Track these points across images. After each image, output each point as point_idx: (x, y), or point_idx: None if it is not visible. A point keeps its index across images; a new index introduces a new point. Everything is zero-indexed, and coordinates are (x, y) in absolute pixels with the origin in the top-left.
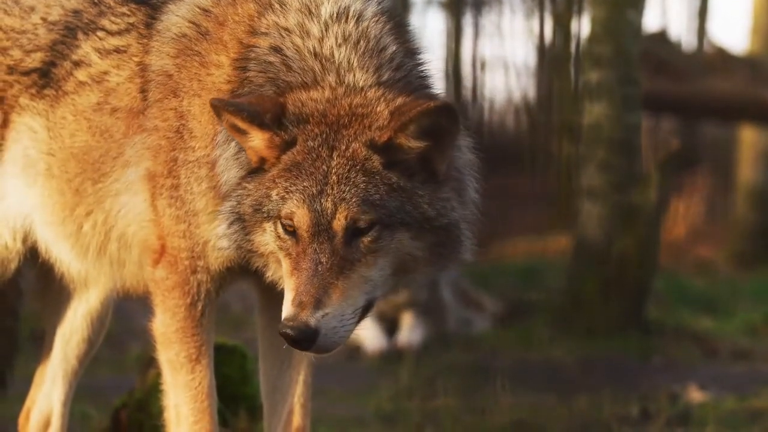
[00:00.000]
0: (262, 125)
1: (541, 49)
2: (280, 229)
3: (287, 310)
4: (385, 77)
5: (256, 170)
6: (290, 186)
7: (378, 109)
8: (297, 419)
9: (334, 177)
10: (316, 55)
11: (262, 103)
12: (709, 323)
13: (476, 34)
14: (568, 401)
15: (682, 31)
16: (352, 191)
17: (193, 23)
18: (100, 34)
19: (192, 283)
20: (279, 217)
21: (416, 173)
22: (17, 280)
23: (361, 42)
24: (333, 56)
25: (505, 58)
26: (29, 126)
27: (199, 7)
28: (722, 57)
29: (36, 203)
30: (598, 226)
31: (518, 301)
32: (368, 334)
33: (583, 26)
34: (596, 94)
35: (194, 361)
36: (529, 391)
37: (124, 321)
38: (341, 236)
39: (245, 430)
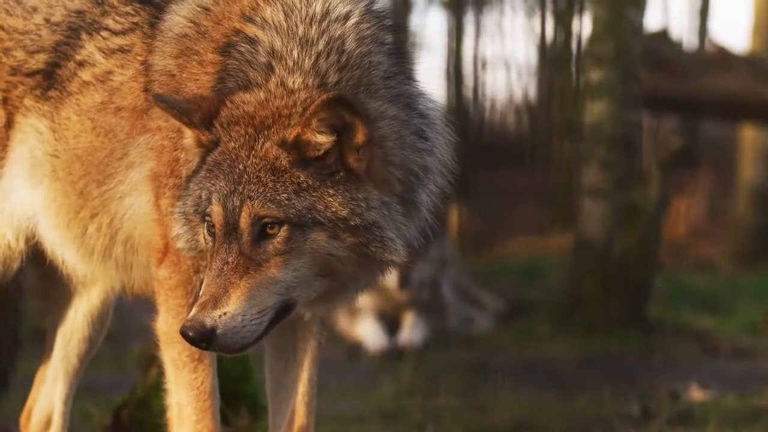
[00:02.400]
0: (189, 124)
1: (543, 48)
2: (205, 230)
3: (192, 310)
4: (332, 79)
5: (197, 171)
6: (211, 186)
7: (299, 109)
8: (301, 417)
9: (245, 177)
10: (273, 53)
11: (198, 103)
12: (710, 322)
13: (477, 33)
14: (568, 399)
15: (683, 30)
16: (259, 190)
17: (194, 23)
18: (104, 33)
19: (195, 283)
20: (204, 218)
21: (334, 173)
22: (19, 279)
23: (320, 44)
24: (285, 56)
25: (506, 57)
26: (35, 127)
27: (200, 6)
28: (723, 56)
29: (41, 205)
30: (599, 225)
31: (519, 300)
32: (370, 333)
33: (584, 25)
34: (597, 93)
35: (196, 361)
36: (529, 389)
37: (126, 319)
38: (247, 235)
39: (246, 429)
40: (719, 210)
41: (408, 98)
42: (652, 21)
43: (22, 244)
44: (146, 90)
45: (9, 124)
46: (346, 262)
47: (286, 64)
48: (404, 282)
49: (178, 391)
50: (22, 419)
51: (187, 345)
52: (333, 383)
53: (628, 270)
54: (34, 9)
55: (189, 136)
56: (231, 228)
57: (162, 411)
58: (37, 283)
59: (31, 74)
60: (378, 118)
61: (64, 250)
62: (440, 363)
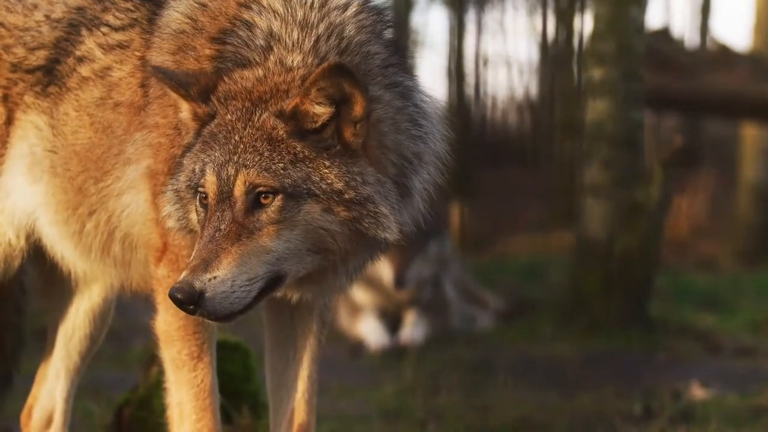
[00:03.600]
0: (186, 96)
1: (544, 46)
2: (198, 203)
3: (182, 273)
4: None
5: (190, 146)
6: (206, 158)
7: (298, 83)
8: (302, 415)
9: (242, 146)
10: (271, 35)
11: (196, 77)
12: (712, 320)
13: (479, 32)
14: (570, 398)
15: (684, 28)
16: (255, 159)
17: (191, 18)
18: (103, 29)
19: None
20: (197, 191)
21: (330, 146)
22: (21, 276)
23: (320, 27)
24: (284, 37)
25: (507, 55)
26: (35, 124)
27: (197, 2)
28: (725, 54)
29: (40, 201)
30: (601, 223)
31: (521, 298)
32: (371, 331)
33: (585, 23)
34: (599, 91)
35: (196, 359)
36: (531, 387)
37: (127, 317)
38: (241, 203)
39: (248, 427)
40: (721, 208)
41: (404, 88)
42: (654, 19)
43: (22, 242)
44: (143, 85)
45: (9, 121)
46: (338, 238)
47: (285, 44)
48: (400, 281)
49: (178, 390)
50: (23, 417)
51: (187, 344)
52: (334, 382)
53: (630, 268)
54: (35, 6)
55: (185, 110)
56: (225, 196)
57: (163, 410)
58: (38, 280)
59: (31, 71)
60: (374, 101)
61: (62, 247)
62: (442, 361)
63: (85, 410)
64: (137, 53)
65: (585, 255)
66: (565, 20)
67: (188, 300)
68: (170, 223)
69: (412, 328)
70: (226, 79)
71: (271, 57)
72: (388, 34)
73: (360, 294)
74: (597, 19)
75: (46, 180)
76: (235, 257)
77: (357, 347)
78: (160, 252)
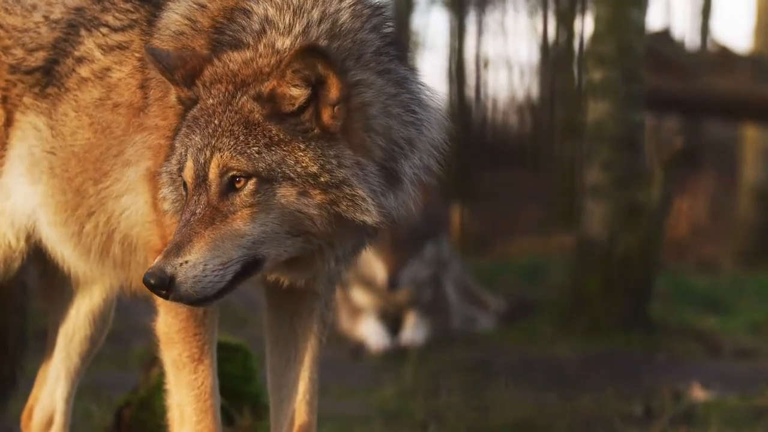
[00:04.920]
0: (171, 80)
1: (545, 48)
2: (182, 187)
3: (156, 258)
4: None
5: (179, 129)
6: (188, 142)
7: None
8: (302, 415)
9: (219, 130)
10: (266, 20)
11: (185, 59)
12: (713, 321)
13: (479, 33)
14: (571, 399)
15: (685, 30)
16: (230, 143)
17: (190, 20)
18: (103, 30)
19: None
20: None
21: (308, 129)
22: (23, 278)
23: (314, 13)
24: (278, 22)
25: (508, 57)
26: (34, 125)
27: (196, 3)
28: (725, 55)
29: (39, 202)
30: (601, 224)
31: (521, 299)
32: (372, 333)
33: (586, 25)
34: (600, 93)
35: (197, 361)
36: (532, 388)
37: (127, 318)
38: (215, 187)
39: (249, 428)
40: (722, 210)
41: (398, 77)
42: (655, 20)
43: (22, 243)
44: (142, 87)
45: (8, 123)
46: (317, 221)
47: (278, 28)
48: (392, 283)
49: (178, 392)
50: (24, 418)
51: (188, 345)
52: (335, 383)
53: (631, 270)
54: (34, 7)
55: (173, 93)
56: (201, 181)
57: (164, 411)
58: (39, 282)
59: (30, 72)
60: (361, 84)
61: (62, 248)
62: (443, 362)
63: (86, 411)
64: (137, 54)
65: (585, 256)
66: (565, 22)
67: (160, 285)
68: (166, 205)
69: (413, 330)
70: (215, 61)
71: (263, 40)
72: (386, 27)
73: (360, 296)
74: (597, 21)
75: (45, 181)
76: (208, 241)
77: (358, 348)
78: (159, 253)
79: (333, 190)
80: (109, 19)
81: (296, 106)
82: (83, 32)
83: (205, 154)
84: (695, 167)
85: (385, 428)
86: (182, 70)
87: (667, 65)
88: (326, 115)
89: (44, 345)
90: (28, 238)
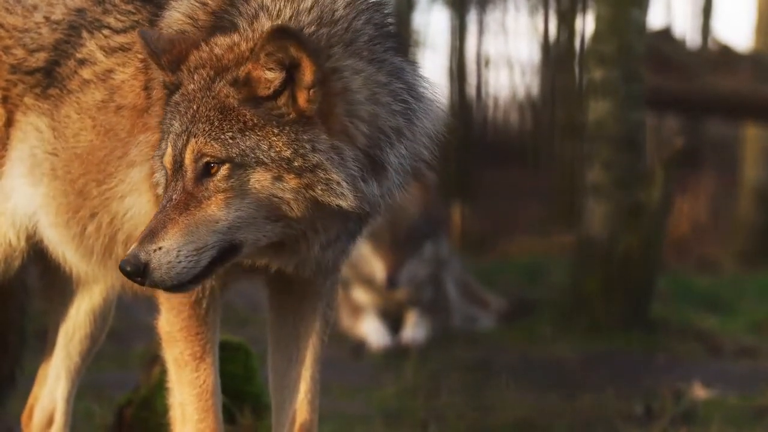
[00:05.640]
0: (158, 64)
1: (546, 47)
2: (166, 174)
3: (133, 245)
4: (309, 30)
5: (165, 114)
6: (169, 127)
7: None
8: (304, 415)
9: (197, 116)
10: (262, 6)
11: (172, 42)
12: (714, 321)
13: (480, 32)
14: (571, 399)
15: (686, 29)
16: (205, 128)
17: (192, 18)
18: (105, 32)
19: None
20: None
21: (284, 114)
22: (24, 277)
23: (308, 0)
24: (271, 7)
25: (509, 56)
26: (35, 126)
27: (197, 2)
28: (726, 55)
29: (41, 204)
30: (601, 224)
31: (522, 299)
32: (373, 332)
33: (587, 24)
34: (600, 92)
35: (199, 360)
36: (532, 388)
37: (128, 317)
38: (191, 172)
39: (250, 428)
40: (722, 209)
41: (392, 67)
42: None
43: (23, 243)
44: (146, 88)
45: (9, 123)
46: (294, 206)
47: (270, 13)
48: (391, 282)
49: (180, 391)
50: (24, 417)
51: (190, 344)
52: (336, 382)
53: (631, 269)
54: (35, 7)
55: (160, 77)
56: (178, 167)
57: (165, 410)
58: (39, 281)
59: (31, 72)
60: (346, 70)
61: (64, 249)
62: (443, 362)
63: (87, 410)
64: (139, 55)
65: (586, 256)
66: (566, 21)
67: (134, 272)
68: (159, 190)
69: (414, 329)
70: (202, 46)
71: (255, 25)
72: (384, 20)
73: (360, 294)
74: (598, 20)
75: (47, 182)
76: (182, 227)
77: (358, 347)
78: None
79: (307, 174)
80: (110, 20)
81: (272, 89)
82: (85, 34)
83: (183, 140)
84: (696, 167)
85: (386, 427)
86: (169, 55)
87: (668, 64)
88: (302, 99)
89: (44, 344)
90: (29, 238)
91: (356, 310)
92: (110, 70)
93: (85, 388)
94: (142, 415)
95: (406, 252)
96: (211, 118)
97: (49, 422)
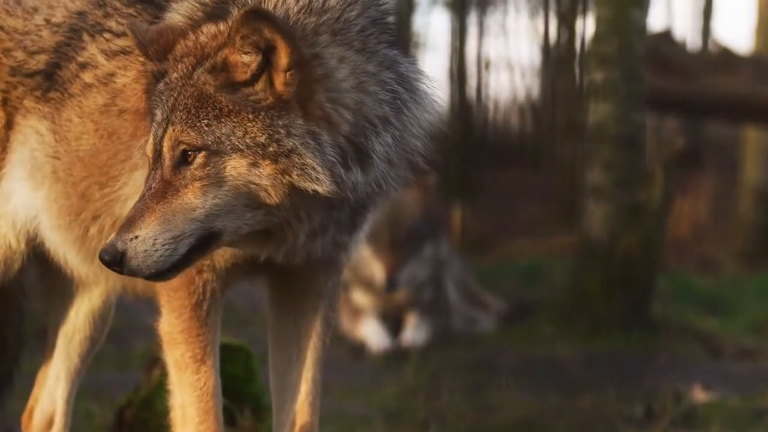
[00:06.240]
0: (146, 55)
1: (546, 49)
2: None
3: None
4: (295, 19)
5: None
6: (152, 116)
7: None
8: (304, 416)
9: (176, 105)
10: None
11: (160, 33)
12: (714, 322)
13: (481, 34)
14: (572, 399)
15: (686, 30)
16: (183, 116)
17: (192, 19)
18: (106, 35)
19: (197, 283)
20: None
21: (260, 99)
22: (21, 278)
23: None
24: None
25: (509, 58)
26: (35, 129)
27: (198, 3)
28: (727, 56)
29: (42, 206)
30: (602, 225)
31: (522, 300)
32: (373, 333)
33: (587, 25)
34: (601, 93)
35: (199, 362)
36: (533, 389)
37: (129, 318)
38: (168, 161)
39: (250, 429)
40: (723, 210)
41: (384, 58)
42: (656, 21)
43: (23, 245)
44: (148, 91)
45: (9, 125)
46: (272, 192)
47: (260, 2)
48: (390, 283)
49: (181, 392)
50: (24, 419)
51: (190, 346)
52: (336, 383)
53: (632, 270)
54: (35, 9)
55: (148, 65)
56: (158, 156)
57: (166, 411)
58: (39, 283)
59: (31, 75)
60: (330, 57)
61: (65, 251)
62: (443, 363)
63: (87, 411)
64: (140, 59)
65: (586, 256)
66: (566, 22)
67: (112, 261)
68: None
69: (414, 330)
70: (189, 35)
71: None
72: (380, 15)
73: (360, 296)
74: (599, 21)
75: (48, 185)
76: (158, 216)
77: (359, 349)
78: None
79: (283, 160)
80: (112, 24)
81: (249, 73)
82: (86, 37)
83: (162, 129)
84: (696, 168)
85: (386, 428)
86: (156, 45)
87: (668, 66)
88: (279, 82)
89: (44, 345)
90: (29, 240)
91: (356, 313)
92: (112, 74)
93: (86, 388)
94: (142, 416)
95: (405, 253)
96: (189, 106)
97: (49, 424)
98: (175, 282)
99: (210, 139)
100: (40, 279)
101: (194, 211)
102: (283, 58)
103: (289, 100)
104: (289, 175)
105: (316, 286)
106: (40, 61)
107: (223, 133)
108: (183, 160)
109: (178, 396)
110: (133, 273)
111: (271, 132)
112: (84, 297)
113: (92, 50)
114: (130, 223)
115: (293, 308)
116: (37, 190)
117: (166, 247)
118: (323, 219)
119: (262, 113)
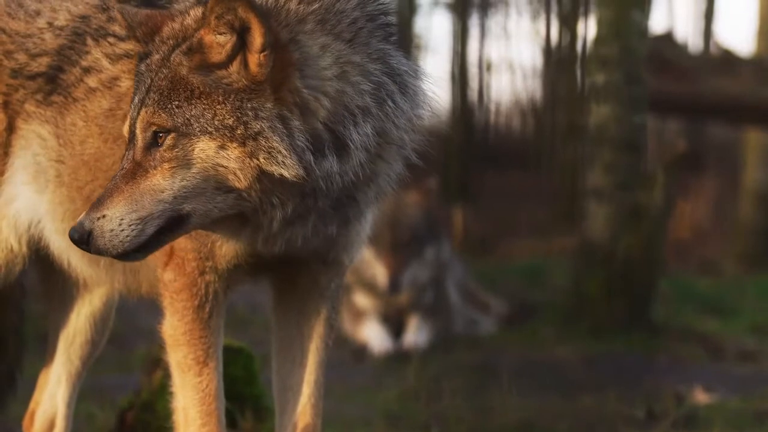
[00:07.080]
0: (134, 37)
1: (547, 51)
2: None
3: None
4: (281, 4)
5: None
6: (131, 99)
7: None
8: (306, 418)
9: (151, 86)
10: None
11: (150, 16)
12: (715, 324)
13: (482, 36)
14: (573, 401)
15: (688, 33)
16: (155, 98)
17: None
18: (110, 39)
19: (200, 285)
20: None
21: (232, 82)
22: (22, 280)
23: None
24: None
25: (511, 60)
26: (38, 133)
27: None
28: (728, 58)
29: (46, 210)
30: (603, 227)
31: (524, 302)
32: (374, 335)
33: (589, 28)
34: (602, 95)
35: (202, 364)
36: (534, 391)
37: (130, 321)
38: (141, 142)
39: (250, 431)
40: (724, 212)
41: (374, 50)
42: (657, 23)
43: (24, 248)
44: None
45: (11, 129)
46: (240, 176)
47: None
48: (393, 285)
49: (183, 395)
50: (25, 422)
51: (193, 348)
52: (338, 385)
53: (633, 272)
54: (37, 13)
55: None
56: (132, 137)
57: (167, 414)
58: (39, 285)
59: (32, 77)
60: (313, 45)
61: (69, 254)
62: (445, 365)
63: (88, 414)
64: None
65: (587, 258)
66: (568, 24)
67: (80, 239)
68: None
69: (415, 333)
70: (176, 18)
71: None
72: (378, 11)
73: (362, 299)
74: (600, 24)
75: (52, 189)
76: (126, 196)
77: (360, 351)
78: (167, 256)
79: (250, 142)
80: (115, 28)
81: (224, 54)
82: (90, 41)
83: (137, 110)
84: (697, 170)
85: (387, 430)
86: (144, 27)
87: (670, 68)
88: (252, 63)
89: (44, 347)
90: (30, 244)
91: (358, 315)
92: (116, 78)
93: (87, 391)
94: (143, 419)
95: (407, 256)
96: (162, 87)
97: (51, 427)
98: (179, 284)
99: (179, 120)
100: (41, 282)
101: (162, 192)
102: (257, 38)
103: (262, 82)
104: (257, 158)
105: (319, 288)
106: (41, 64)
107: (192, 115)
108: (154, 141)
109: (180, 398)
110: (99, 252)
111: (239, 114)
112: (85, 299)
113: (96, 54)
114: (99, 202)
115: (296, 310)
116: (41, 193)
117: (132, 227)
118: (297, 206)
119: (232, 96)
